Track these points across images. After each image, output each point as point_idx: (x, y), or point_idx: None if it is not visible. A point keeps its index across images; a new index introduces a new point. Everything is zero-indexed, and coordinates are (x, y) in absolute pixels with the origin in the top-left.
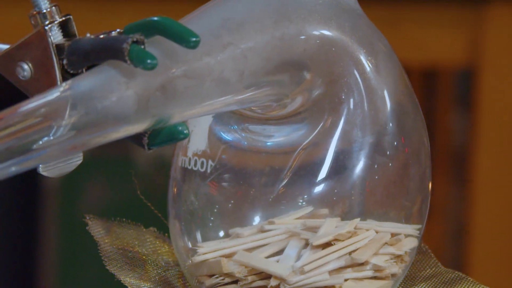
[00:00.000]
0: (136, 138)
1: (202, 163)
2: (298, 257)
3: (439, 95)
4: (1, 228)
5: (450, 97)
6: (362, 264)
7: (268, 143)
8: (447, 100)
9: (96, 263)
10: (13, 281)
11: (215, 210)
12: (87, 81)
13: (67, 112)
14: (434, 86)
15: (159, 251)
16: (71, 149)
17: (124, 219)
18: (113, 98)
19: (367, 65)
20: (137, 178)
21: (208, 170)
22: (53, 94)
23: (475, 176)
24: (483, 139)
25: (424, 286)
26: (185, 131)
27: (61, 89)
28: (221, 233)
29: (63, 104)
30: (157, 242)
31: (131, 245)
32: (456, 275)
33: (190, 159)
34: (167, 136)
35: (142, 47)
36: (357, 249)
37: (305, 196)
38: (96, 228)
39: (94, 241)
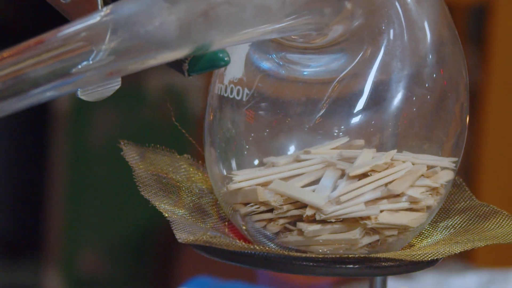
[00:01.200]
0: (177, 64)
1: (238, 90)
2: (334, 187)
3: None
4: (12, 152)
5: (463, 34)
6: (398, 195)
7: (306, 73)
8: (460, 37)
9: (105, 190)
10: (23, 207)
11: (251, 139)
12: (129, 6)
13: (108, 37)
14: None
15: (193, 178)
16: (109, 75)
17: (158, 146)
18: (156, 23)
19: None
20: (147, 107)
21: (244, 98)
22: (94, 19)
23: (486, 112)
24: (494, 76)
25: (458, 219)
26: (225, 58)
27: (102, 13)
28: (256, 162)
29: (104, 29)
30: (191, 169)
31: (166, 171)
32: (491, 209)
33: (226, 87)
34: (208, 62)
35: None
36: (393, 181)
37: (342, 127)
38: (130, 154)
39: (103, 167)
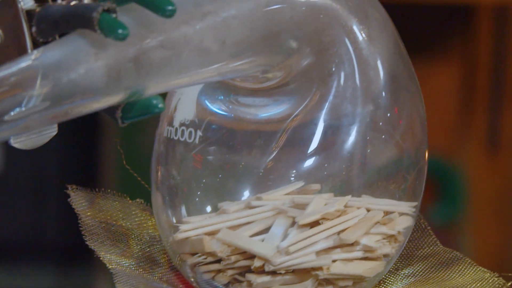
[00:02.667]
0: (110, 111)
1: (190, 133)
2: (285, 236)
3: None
4: (64, 160)
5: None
6: (351, 244)
7: (257, 116)
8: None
9: None
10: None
11: (202, 184)
12: (55, 51)
13: (38, 82)
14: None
15: (144, 225)
16: (52, 118)
17: (109, 190)
18: (81, 71)
19: (359, 34)
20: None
21: (197, 141)
22: (23, 63)
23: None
24: None
25: (420, 266)
26: (159, 105)
27: (33, 57)
28: (208, 208)
29: (33, 74)
30: (143, 215)
31: (115, 218)
32: (454, 255)
33: (177, 129)
34: (141, 109)
35: (114, 16)
36: (346, 229)
37: (294, 171)
38: (78, 200)
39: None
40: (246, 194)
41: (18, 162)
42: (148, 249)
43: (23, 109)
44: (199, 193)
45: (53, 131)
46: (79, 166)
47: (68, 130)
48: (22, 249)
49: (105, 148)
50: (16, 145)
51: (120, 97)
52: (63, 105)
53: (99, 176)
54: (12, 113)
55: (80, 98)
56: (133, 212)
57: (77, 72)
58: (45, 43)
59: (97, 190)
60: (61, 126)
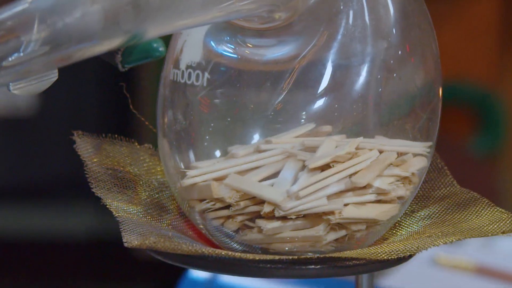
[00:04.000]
0: (110, 56)
1: (198, 75)
2: (295, 181)
3: None
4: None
5: None
6: (364, 187)
7: (265, 57)
8: None
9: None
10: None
11: (210, 128)
12: None
13: (36, 27)
14: None
15: (153, 171)
16: (56, 62)
17: (116, 136)
18: (77, 15)
19: None
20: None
21: (204, 84)
22: (19, 7)
23: None
24: None
25: (436, 207)
26: (160, 48)
27: (29, 0)
28: (217, 153)
29: (30, 18)
30: (152, 161)
31: (122, 164)
32: (472, 196)
33: (183, 72)
34: (141, 53)
35: None
36: (358, 172)
37: (304, 113)
38: (84, 146)
39: None
40: (255, 137)
41: (56, 103)
42: (157, 196)
43: (21, 54)
44: (207, 137)
45: (53, 76)
46: (115, 110)
47: (107, 75)
48: (61, 190)
49: (140, 97)
50: (16, 92)
51: (119, 41)
52: (63, 50)
53: (134, 124)
54: (10, 59)
55: (78, 42)
56: (141, 158)
57: (73, 16)
58: None
59: (103, 135)
60: (99, 73)
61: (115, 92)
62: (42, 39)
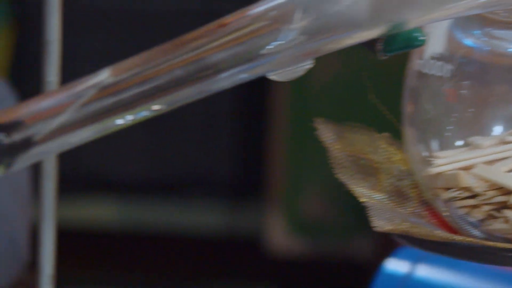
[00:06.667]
0: (369, 44)
1: (442, 67)
2: None
3: None
4: (235, 96)
5: None
6: None
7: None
8: None
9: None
10: (246, 149)
11: (453, 118)
12: None
13: (298, 16)
14: None
15: (392, 159)
16: (303, 55)
17: (356, 124)
18: (346, 2)
19: None
20: None
21: (447, 75)
22: None
23: None
24: None
25: None
26: (420, 38)
27: None
28: (459, 143)
29: (292, 8)
30: (391, 149)
31: (364, 151)
32: None
33: (427, 63)
34: (403, 42)
35: None
36: None
37: None
38: (326, 133)
39: (325, 106)
40: (496, 129)
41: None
42: (398, 183)
43: (278, 43)
44: (450, 127)
45: (309, 64)
46: (250, 103)
47: None
48: (194, 185)
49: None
50: (273, 77)
51: (380, 29)
52: (319, 40)
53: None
54: (270, 47)
55: (340, 32)
56: (381, 146)
57: (343, 3)
58: None
59: (344, 123)
60: None
61: (249, 88)
62: (302, 28)
